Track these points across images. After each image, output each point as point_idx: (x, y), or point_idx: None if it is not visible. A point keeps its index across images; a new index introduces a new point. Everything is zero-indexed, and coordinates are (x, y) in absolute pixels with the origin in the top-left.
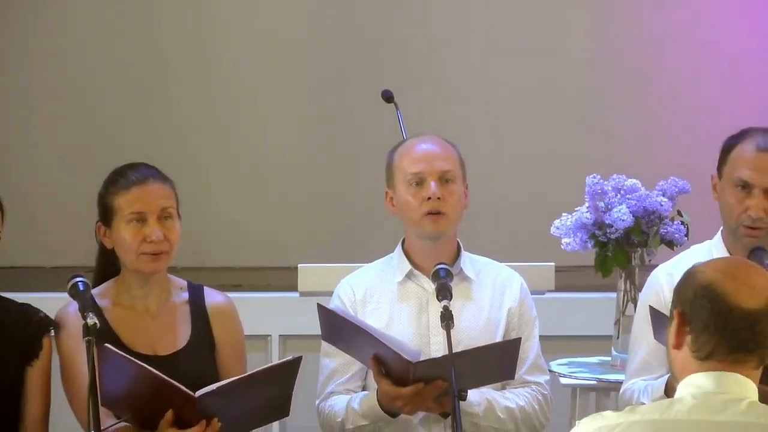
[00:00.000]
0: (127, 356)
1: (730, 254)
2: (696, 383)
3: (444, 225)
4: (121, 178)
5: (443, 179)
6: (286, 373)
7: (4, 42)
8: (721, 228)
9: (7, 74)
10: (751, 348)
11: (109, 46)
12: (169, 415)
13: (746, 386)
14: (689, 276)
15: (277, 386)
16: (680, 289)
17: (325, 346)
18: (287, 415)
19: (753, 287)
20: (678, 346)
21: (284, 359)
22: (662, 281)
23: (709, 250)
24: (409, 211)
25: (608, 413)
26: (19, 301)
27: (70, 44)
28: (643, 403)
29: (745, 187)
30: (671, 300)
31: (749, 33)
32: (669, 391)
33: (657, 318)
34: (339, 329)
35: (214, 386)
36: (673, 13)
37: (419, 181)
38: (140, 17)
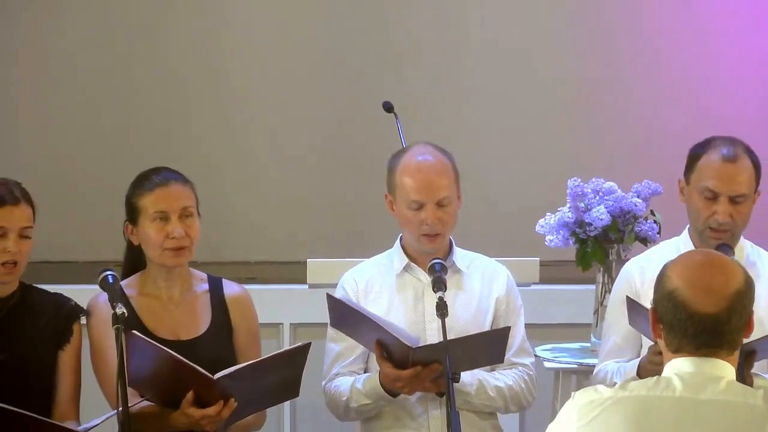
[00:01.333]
0: (153, 342)
1: (695, 246)
2: (677, 366)
3: (439, 243)
4: (145, 181)
5: (440, 204)
6: (295, 358)
7: (40, 48)
8: (688, 226)
9: (44, 77)
10: (716, 344)
11: (134, 59)
12: (190, 395)
13: (724, 368)
14: (661, 278)
15: (287, 370)
16: (656, 288)
17: (330, 332)
18: (297, 395)
19: (711, 293)
20: (658, 336)
21: (294, 345)
22: (634, 273)
23: (677, 245)
24: (408, 226)
25: (601, 387)
26: (53, 291)
27: (103, 56)
28: (616, 383)
29: (712, 195)
30: (644, 292)
31: (723, 48)
32: (641, 371)
33: (633, 307)
34: (346, 317)
35: (230, 370)
36: (647, 32)
37: (418, 207)
38: (163, 31)
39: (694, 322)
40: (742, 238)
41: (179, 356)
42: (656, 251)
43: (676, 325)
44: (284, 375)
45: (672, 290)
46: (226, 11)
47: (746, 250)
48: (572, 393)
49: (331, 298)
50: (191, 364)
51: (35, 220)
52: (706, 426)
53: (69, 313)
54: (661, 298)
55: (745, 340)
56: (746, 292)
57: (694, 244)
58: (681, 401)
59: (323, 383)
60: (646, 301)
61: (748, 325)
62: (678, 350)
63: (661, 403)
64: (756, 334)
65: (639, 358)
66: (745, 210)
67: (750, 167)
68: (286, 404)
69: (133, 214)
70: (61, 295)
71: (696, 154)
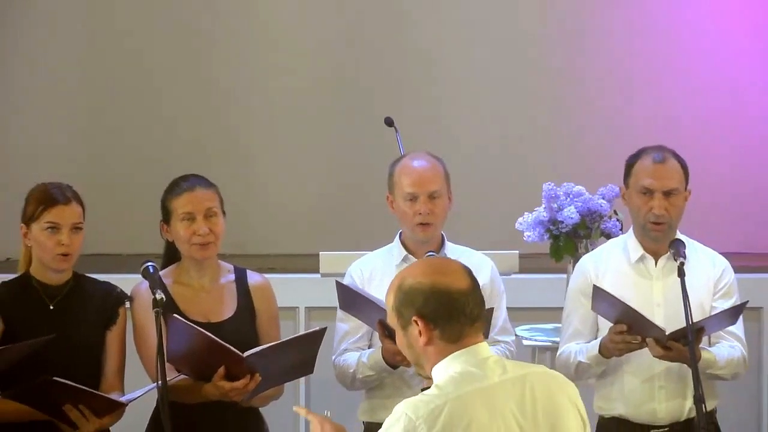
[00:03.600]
0: (192, 324)
1: (641, 245)
2: (460, 360)
3: (431, 232)
4: (176, 186)
5: (432, 197)
6: (312, 341)
7: (96, 69)
8: (632, 226)
9: (97, 94)
10: (478, 315)
11: (173, 79)
12: (221, 370)
13: (489, 348)
14: (409, 291)
15: (305, 350)
16: (408, 301)
17: (339, 313)
18: (311, 372)
19: (454, 272)
20: (429, 342)
21: (311, 330)
22: (589, 267)
23: (624, 241)
24: (405, 219)
25: (424, 396)
26: (101, 280)
27: (146, 76)
28: (581, 361)
29: (648, 192)
30: (599, 282)
31: (688, 62)
32: (602, 349)
33: (598, 294)
34: (353, 300)
35: (257, 349)
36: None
37: (413, 199)
38: (198, 50)
39: (461, 300)
40: (679, 233)
41: (214, 336)
42: (606, 247)
43: (452, 313)
44: (302, 355)
45: (431, 287)
46: (253, 32)
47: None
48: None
49: (339, 285)
50: (224, 343)
51: (85, 218)
52: (534, 396)
53: (116, 298)
54: (425, 302)
55: (695, 320)
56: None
57: (638, 240)
58: (500, 384)
59: (333, 357)
60: (603, 288)
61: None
62: (460, 335)
63: (491, 391)
64: (698, 316)
65: (599, 339)
66: (678, 203)
67: (678, 166)
68: (302, 378)
69: (166, 215)
70: (108, 283)
71: (631, 162)
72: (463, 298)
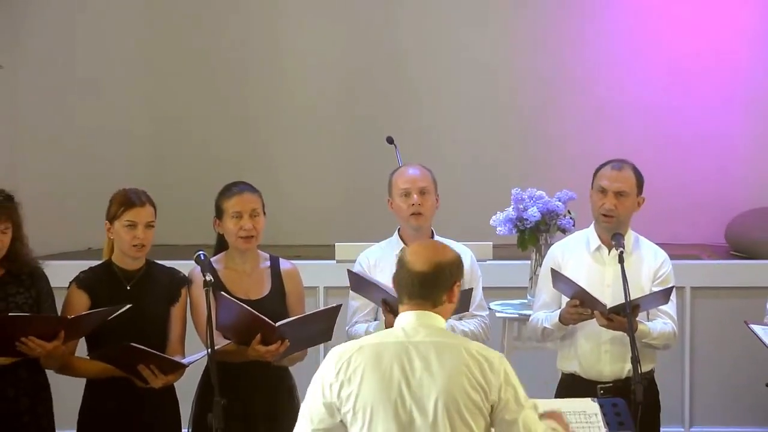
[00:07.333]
0: (236, 301)
1: (598, 235)
2: (402, 319)
3: (422, 221)
4: (227, 190)
5: (422, 192)
6: (330, 315)
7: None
8: (594, 221)
9: (161, 116)
10: (424, 296)
11: (201, 83)
12: (258, 336)
13: (436, 318)
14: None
15: (324, 322)
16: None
17: (351, 293)
18: (330, 339)
19: (423, 256)
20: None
21: (329, 306)
22: (557, 252)
23: (585, 233)
24: (401, 212)
25: (349, 343)
26: (167, 266)
27: (202, 92)
28: (545, 327)
29: (603, 191)
30: (564, 264)
31: (641, 80)
32: (561, 318)
33: (556, 276)
34: (361, 284)
35: (287, 320)
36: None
37: (407, 194)
38: (236, 67)
39: (410, 276)
40: (631, 231)
41: (253, 310)
42: (572, 237)
43: (401, 281)
44: (322, 325)
45: (401, 257)
46: (280, 71)
47: (632, 238)
48: (504, 342)
49: (350, 272)
50: (261, 315)
51: (156, 216)
52: (418, 358)
53: (179, 280)
54: (397, 267)
55: (633, 297)
56: (450, 266)
57: (596, 232)
58: (401, 343)
59: (346, 328)
60: (566, 270)
61: (451, 290)
62: (402, 301)
63: (387, 346)
64: (638, 296)
65: (560, 310)
66: (627, 204)
67: (632, 175)
68: (321, 345)
69: (218, 213)
70: (173, 268)
71: (597, 169)
72: (409, 277)
